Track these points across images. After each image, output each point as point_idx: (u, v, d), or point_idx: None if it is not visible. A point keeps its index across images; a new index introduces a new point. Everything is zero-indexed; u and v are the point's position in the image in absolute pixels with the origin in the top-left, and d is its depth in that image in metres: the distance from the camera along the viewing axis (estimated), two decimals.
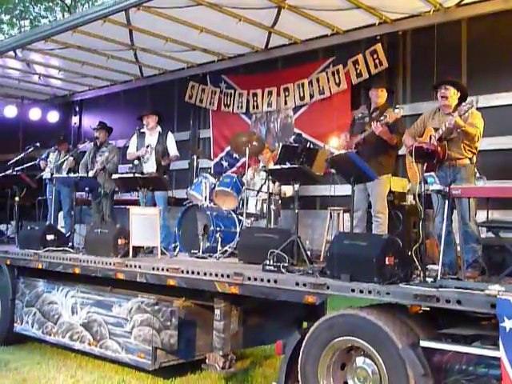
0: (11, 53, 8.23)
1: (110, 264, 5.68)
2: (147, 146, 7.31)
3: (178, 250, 6.49)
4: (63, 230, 7.87)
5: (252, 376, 5.69)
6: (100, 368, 5.88)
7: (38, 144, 9.11)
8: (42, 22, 20.23)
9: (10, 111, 10.66)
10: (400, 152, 5.91)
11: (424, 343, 3.54)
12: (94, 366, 5.96)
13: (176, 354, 5.30)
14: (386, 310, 3.85)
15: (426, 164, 4.43)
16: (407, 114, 6.53)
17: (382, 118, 5.57)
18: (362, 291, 3.87)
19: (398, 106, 5.80)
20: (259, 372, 5.84)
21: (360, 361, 3.88)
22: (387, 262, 4.04)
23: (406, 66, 6.97)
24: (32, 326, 6.43)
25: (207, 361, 4.92)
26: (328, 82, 7.44)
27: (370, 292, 3.83)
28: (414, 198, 5.72)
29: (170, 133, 7.54)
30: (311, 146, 7.00)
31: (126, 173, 7.14)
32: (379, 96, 5.88)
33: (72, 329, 5.94)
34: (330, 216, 6.75)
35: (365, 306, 3.98)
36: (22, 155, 9.24)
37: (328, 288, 4.05)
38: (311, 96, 7.63)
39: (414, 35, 6.86)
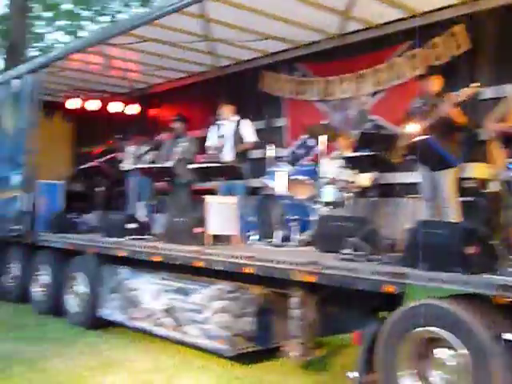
0: (93, 48, 8.52)
1: (189, 252, 5.81)
2: (221, 136, 7.41)
3: (254, 238, 6.55)
4: (144, 219, 8.11)
5: (329, 365, 5.69)
6: (181, 353, 6.04)
7: (118, 136, 9.44)
8: (121, 18, 20.80)
9: (93, 105, 11.06)
10: (482, 137, 5.69)
11: (507, 336, 3.41)
12: (175, 351, 6.13)
13: (253, 340, 5.37)
14: (467, 301, 3.73)
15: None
16: (490, 97, 6.26)
17: (450, 98, 5.38)
18: (442, 281, 3.77)
19: (472, 85, 5.54)
20: (336, 361, 5.82)
21: (440, 352, 3.80)
22: (469, 251, 3.91)
23: (489, 47, 6.67)
24: (116, 312, 6.69)
25: (284, 348, 4.95)
26: (406, 66, 7.25)
27: (451, 282, 3.73)
28: (499, 185, 5.50)
29: (246, 120, 7.59)
30: (389, 133, 6.87)
31: (204, 163, 7.26)
32: (434, 84, 5.76)
33: (154, 314, 6.13)
34: (409, 204, 6.59)
35: (445, 297, 3.88)
36: (103, 147, 9.60)
37: (407, 277, 3.98)
38: (388, 81, 7.46)
39: (497, 14, 6.55)
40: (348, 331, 5.13)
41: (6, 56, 17.95)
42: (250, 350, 5.43)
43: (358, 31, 7.55)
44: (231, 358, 5.52)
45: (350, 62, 7.86)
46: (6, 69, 15.23)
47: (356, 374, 4.20)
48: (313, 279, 4.60)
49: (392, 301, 4.62)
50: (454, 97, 5.40)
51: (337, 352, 6.12)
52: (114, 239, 6.94)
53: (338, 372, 5.41)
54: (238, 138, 7.48)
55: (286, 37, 7.97)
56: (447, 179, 5.60)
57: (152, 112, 11.11)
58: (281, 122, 8.83)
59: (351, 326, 4.66)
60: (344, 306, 5.28)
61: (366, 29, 7.45)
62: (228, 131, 7.59)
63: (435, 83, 5.75)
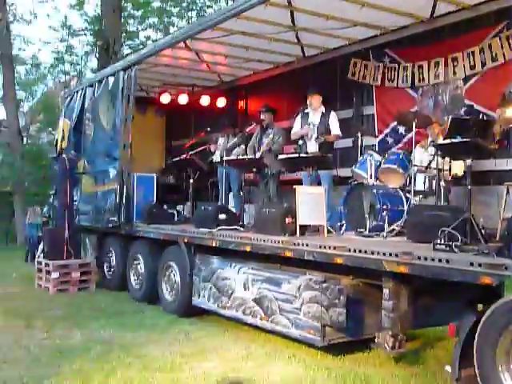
0: (181, 43, 8.72)
1: (278, 242, 5.85)
2: (309, 124, 7.38)
3: (344, 228, 6.49)
4: (233, 210, 8.24)
5: (423, 358, 5.57)
6: (271, 342, 6.11)
7: (208, 129, 9.63)
8: (208, 12, 21.15)
9: (183, 99, 11.34)
10: None
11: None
12: (265, 339, 6.20)
13: (344, 331, 5.33)
14: None
15: None
16: None
17: None
18: None
19: None
20: (430, 354, 5.69)
21: None
22: None
23: None
24: (208, 300, 6.86)
25: (376, 340, 4.88)
26: (502, 47, 6.87)
27: None
28: None
29: (332, 112, 7.54)
30: (484, 118, 6.57)
31: (292, 153, 7.27)
32: None
33: (244, 304, 6.22)
34: (507, 192, 6.29)
35: None
36: (194, 140, 9.83)
37: (506, 269, 3.80)
38: (483, 64, 7.12)
39: None
40: (443, 324, 4.99)
41: (98, 55, 18.74)
42: (340, 340, 5.40)
43: (449, 13, 7.25)
44: (321, 349, 5.52)
45: (441, 45, 7.58)
46: (100, 67, 15.92)
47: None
48: (405, 270, 4.50)
49: (490, 293, 4.45)
50: None
51: (431, 345, 5.98)
52: (206, 230, 7.10)
53: (431, 365, 5.28)
54: (324, 129, 7.42)
55: (374, 23, 7.78)
56: None
57: (240, 104, 11.23)
58: (370, 110, 8.67)
59: (446, 319, 4.52)
60: (438, 298, 5.14)
61: (458, 10, 7.14)
62: (315, 121, 7.54)
63: None
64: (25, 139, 21.59)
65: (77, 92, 11.17)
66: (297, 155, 6.90)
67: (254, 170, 7.77)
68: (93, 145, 10.12)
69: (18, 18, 21.55)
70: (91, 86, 10.47)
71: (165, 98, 11.31)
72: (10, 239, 18.82)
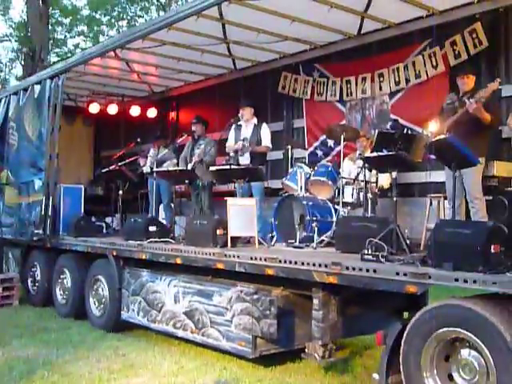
0: (111, 53, 8.59)
1: (210, 254, 5.82)
2: (243, 140, 7.42)
3: (274, 239, 6.54)
4: (164, 222, 8.14)
5: (352, 366, 5.66)
6: (202, 355, 6.05)
7: (138, 140, 9.50)
8: (139, 22, 20.95)
9: (112, 109, 11.16)
10: (506, 134, 5.63)
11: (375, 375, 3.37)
12: (196, 353, 6.14)
13: (276, 342, 5.35)
14: (492, 301, 3.68)
15: None
16: (510, 94, 6.22)
17: (476, 95, 5.38)
18: (466, 281, 3.73)
19: (496, 80, 5.50)
20: (359, 362, 5.79)
21: (465, 353, 3.75)
22: (493, 251, 3.87)
23: (509, 44, 6.60)
24: (138, 314, 6.72)
25: (307, 350, 4.93)
26: (425, 65, 7.18)
27: (474, 282, 3.68)
28: None
29: (264, 124, 7.62)
30: (409, 132, 6.82)
31: (223, 165, 7.28)
32: (466, 83, 5.80)
33: (175, 317, 6.15)
34: (430, 203, 6.54)
35: (469, 297, 3.84)
36: (124, 151, 9.67)
37: (430, 278, 3.94)
38: (407, 80, 7.41)
39: None
40: (371, 332, 5.10)
41: (24, 62, 18.17)
42: (271, 351, 5.42)
43: (375, 31, 7.51)
44: (253, 360, 5.52)
45: (368, 61, 7.84)
46: (26, 75, 15.43)
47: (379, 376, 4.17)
48: (334, 280, 4.58)
49: (415, 301, 4.60)
50: (478, 94, 5.38)
51: (360, 353, 6.09)
52: (135, 242, 6.98)
53: (361, 373, 5.38)
54: (256, 141, 7.48)
55: (304, 38, 7.96)
56: (473, 178, 5.55)
57: (171, 115, 11.17)
58: (300, 122, 8.83)
59: (374, 327, 4.62)
60: (366, 307, 5.25)
61: (384, 28, 7.41)
62: (247, 133, 7.59)
63: (466, 82, 5.80)
64: None
65: (1, 100, 10.76)
66: (228, 167, 6.91)
67: (186, 181, 7.72)
68: (17, 154, 9.74)
69: None
70: (16, 93, 10.11)
71: (93, 108, 11.10)
72: None
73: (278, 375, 5.37)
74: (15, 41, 20.99)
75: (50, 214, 8.52)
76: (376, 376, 4.17)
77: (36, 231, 8.66)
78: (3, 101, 10.51)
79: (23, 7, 19.43)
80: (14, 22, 21.07)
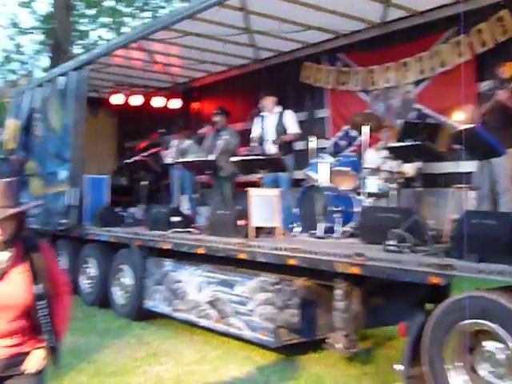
0: (135, 44, 8.62)
1: (232, 244, 5.84)
2: (263, 129, 7.42)
3: (297, 230, 6.53)
4: (187, 212, 8.18)
5: (374, 357, 5.65)
6: (225, 344, 6.09)
7: (161, 130, 9.54)
8: (162, 13, 20.98)
9: (136, 100, 11.21)
10: None
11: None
12: (218, 342, 6.18)
13: (298, 332, 5.37)
14: None
15: None
16: None
17: (505, 83, 5.29)
18: (491, 273, 3.68)
19: None
20: (382, 353, 5.78)
21: (489, 345, 3.72)
22: None
23: None
24: (161, 303, 6.79)
25: (329, 340, 4.93)
26: (450, 53, 7.08)
27: (500, 273, 3.64)
28: None
29: (288, 111, 7.59)
30: (434, 122, 6.73)
31: (246, 155, 7.28)
32: (504, 71, 5.67)
33: (198, 306, 6.19)
34: (455, 194, 6.46)
35: (494, 288, 3.79)
36: (147, 142, 9.73)
37: (454, 269, 3.90)
38: (432, 69, 7.30)
39: None
40: (393, 323, 5.08)
41: (51, 54, 18.36)
42: (294, 341, 5.43)
43: (400, 19, 7.41)
44: (275, 350, 5.54)
45: (392, 50, 7.74)
46: (52, 67, 15.58)
47: (402, 367, 4.16)
48: (357, 271, 4.56)
49: (438, 292, 4.56)
50: (508, 82, 5.30)
51: (382, 344, 6.07)
52: (159, 232, 7.03)
53: (383, 364, 5.36)
54: (281, 130, 7.47)
55: (327, 27, 7.89)
56: (504, 168, 5.46)
57: (194, 106, 11.19)
58: (323, 113, 8.77)
59: (397, 318, 4.60)
60: (389, 298, 5.23)
61: (409, 16, 7.31)
62: (271, 123, 7.58)
63: (505, 71, 5.68)
64: None
65: (26, 91, 10.89)
66: (250, 157, 6.91)
67: (209, 172, 7.74)
68: (42, 146, 9.87)
69: None
70: (40, 85, 10.23)
71: (117, 99, 11.16)
72: None
73: (300, 365, 5.39)
74: (42, 33, 21.17)
75: (75, 204, 8.62)
76: (398, 367, 4.16)
77: (61, 221, 8.78)
78: (29, 93, 10.64)
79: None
80: (40, 15, 21.25)
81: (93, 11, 21.82)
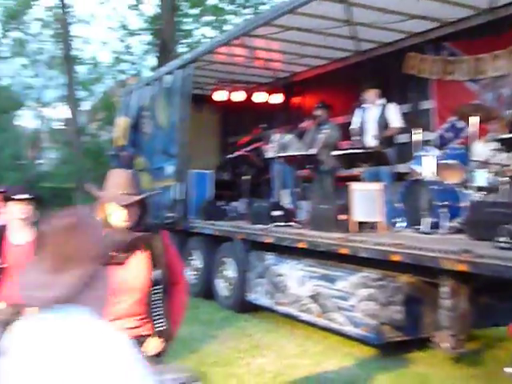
0: (237, 40, 8.77)
1: (334, 239, 5.80)
2: (364, 122, 7.30)
3: (401, 225, 6.38)
4: (288, 207, 8.22)
5: (483, 359, 5.42)
6: (326, 339, 6.08)
7: (263, 125, 9.65)
8: (263, 9, 21.17)
9: (238, 96, 11.41)
10: None
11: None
12: (319, 337, 6.18)
13: (401, 330, 5.25)
14: None
15: None
16: None
17: None
18: None
19: None
20: (491, 355, 5.53)
21: None
22: None
23: None
24: (263, 296, 6.88)
25: (435, 339, 4.78)
26: None
27: None
28: None
29: (392, 104, 7.43)
30: None
31: (348, 149, 7.20)
32: None
33: (299, 300, 6.21)
34: None
35: None
36: (249, 137, 9.87)
37: None
38: None
39: None
40: (503, 324, 4.84)
41: (158, 54, 19.09)
42: (397, 339, 5.32)
43: (509, 4, 7.01)
44: (377, 347, 5.46)
45: (501, 37, 7.34)
46: (159, 66, 16.20)
47: None
48: (465, 268, 4.39)
49: None
50: None
51: (492, 346, 5.81)
52: (261, 226, 7.12)
53: (492, 367, 5.13)
54: (383, 123, 7.32)
55: (432, 15, 7.62)
56: None
57: (295, 100, 11.21)
58: (427, 104, 8.49)
59: (508, 319, 4.38)
60: (500, 297, 4.99)
61: None
62: (373, 116, 7.45)
63: None
64: (85, 137, 22.23)
65: (135, 90, 11.40)
66: (352, 151, 6.82)
67: (310, 166, 7.73)
68: (150, 142, 10.30)
69: (77, 20, 22.17)
70: (149, 84, 10.67)
71: (220, 96, 11.40)
72: None
73: (403, 364, 5.27)
74: (150, 34, 22.05)
75: (181, 198, 8.93)
76: (509, 370, 3.96)
77: (168, 214, 9.12)
78: (137, 91, 11.13)
79: (156, 0, 20.36)
80: (147, 16, 22.14)
81: (196, 10, 22.42)
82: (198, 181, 9.36)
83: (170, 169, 9.32)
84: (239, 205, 9.56)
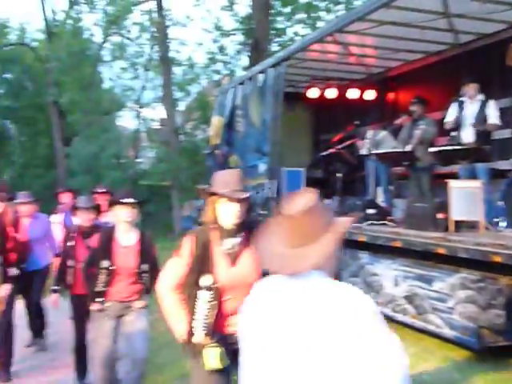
0: (329, 37, 8.71)
1: (430, 238, 5.64)
2: (463, 116, 7.03)
3: (503, 225, 6.10)
4: (383, 205, 8.08)
5: None
6: (421, 342, 5.92)
7: (356, 122, 9.53)
8: (356, 4, 20.88)
9: (331, 93, 11.33)
10: None
11: None
12: (415, 338, 6.02)
13: (502, 335, 5.02)
14: None
15: None
16: None
17: None
18: None
19: None
20: None
21: None
22: None
23: None
24: None
25: None
26: None
27: None
28: None
29: (491, 101, 7.11)
30: None
31: (445, 145, 6.97)
32: None
33: (394, 301, 6.10)
34: None
35: None
36: (342, 134, 9.78)
37: None
38: None
39: None
40: None
41: (250, 53, 19.30)
42: (498, 344, 5.09)
43: None
44: (477, 352, 5.24)
45: None
46: (251, 65, 16.39)
47: None
48: None
49: None
50: None
51: None
52: (355, 224, 7.04)
53: None
54: (482, 119, 7.02)
55: None
56: None
57: (390, 96, 10.98)
58: None
59: None
60: None
61: None
62: (471, 111, 7.16)
63: None
64: (181, 136, 22.87)
65: (228, 90, 11.61)
66: (450, 147, 6.59)
67: (405, 163, 7.55)
68: (243, 140, 10.45)
69: (174, 22, 22.82)
70: (242, 83, 10.82)
71: (313, 93, 11.37)
72: (168, 231, 20.04)
73: (504, 370, 5.03)
74: (242, 34, 22.34)
75: (273, 195, 8.99)
76: None
77: (261, 212, 9.21)
78: (231, 91, 11.33)
79: (248, 1, 20.60)
80: (240, 17, 22.44)
81: (288, 9, 22.46)
82: (290, 179, 9.39)
83: (262, 167, 9.41)
84: (332, 202, 9.50)
